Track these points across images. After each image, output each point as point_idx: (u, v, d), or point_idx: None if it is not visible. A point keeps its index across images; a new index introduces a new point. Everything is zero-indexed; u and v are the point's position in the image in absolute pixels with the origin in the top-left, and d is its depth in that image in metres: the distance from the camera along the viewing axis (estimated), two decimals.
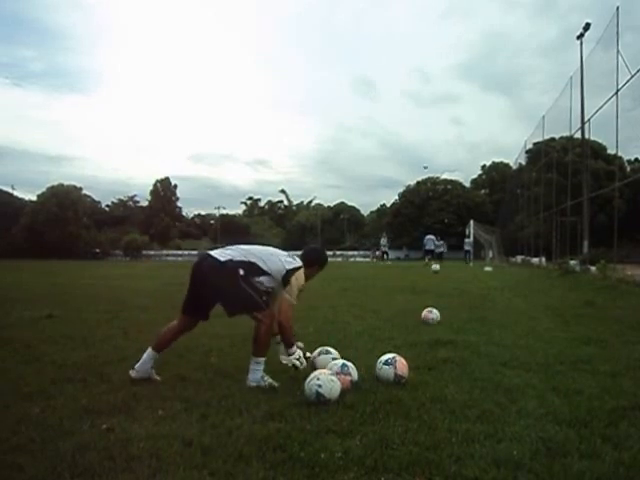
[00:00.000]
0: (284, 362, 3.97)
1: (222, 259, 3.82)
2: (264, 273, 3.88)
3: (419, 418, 2.99)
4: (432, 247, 31.82)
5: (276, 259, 3.96)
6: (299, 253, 4.27)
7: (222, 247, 4.07)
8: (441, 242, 32.52)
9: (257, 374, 3.73)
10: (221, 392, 3.51)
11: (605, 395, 3.45)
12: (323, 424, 2.87)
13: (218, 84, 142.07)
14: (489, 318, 7.17)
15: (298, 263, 4.01)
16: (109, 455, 2.46)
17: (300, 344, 4.15)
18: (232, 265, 3.79)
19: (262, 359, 3.77)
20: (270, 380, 3.72)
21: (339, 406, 3.19)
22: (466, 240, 37.78)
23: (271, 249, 4.14)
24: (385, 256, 38.24)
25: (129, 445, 2.58)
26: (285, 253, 4.12)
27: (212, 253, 3.94)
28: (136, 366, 3.87)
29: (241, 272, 3.77)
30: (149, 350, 3.92)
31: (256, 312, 3.79)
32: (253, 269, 3.85)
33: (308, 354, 4.10)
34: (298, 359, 3.92)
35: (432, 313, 6.78)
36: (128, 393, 3.49)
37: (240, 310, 3.92)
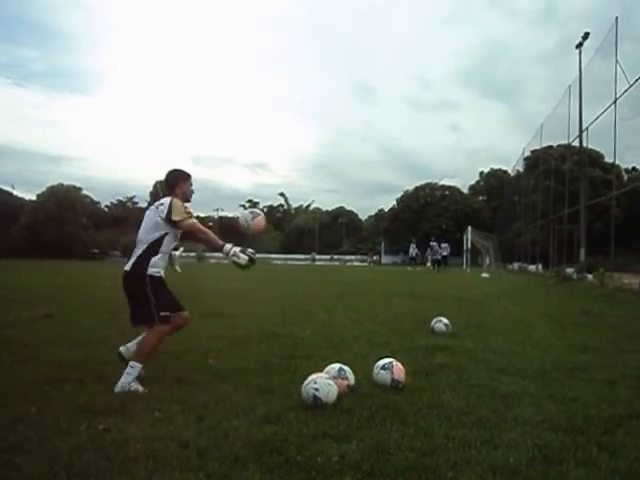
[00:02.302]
0: (234, 261, 3.92)
1: (128, 268, 3.95)
2: (161, 238, 3.91)
3: (416, 423, 3.00)
4: (437, 256, 31.40)
5: (152, 221, 3.95)
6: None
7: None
8: (445, 245, 32.36)
9: (129, 378, 3.65)
10: (218, 394, 3.51)
11: (601, 403, 3.46)
12: (320, 428, 2.87)
13: (219, 87, 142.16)
14: (486, 324, 7.18)
15: (166, 201, 3.95)
16: (106, 456, 2.46)
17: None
18: (139, 268, 3.87)
19: (139, 366, 3.72)
20: (138, 385, 3.65)
21: (336, 410, 3.19)
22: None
23: (146, 216, 4.07)
24: (415, 262, 34.16)
25: (125, 446, 2.58)
26: (154, 206, 4.06)
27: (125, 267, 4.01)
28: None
29: (150, 270, 3.86)
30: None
31: (151, 324, 3.83)
32: (153, 248, 3.90)
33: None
34: (239, 253, 3.90)
35: (441, 322, 6.42)
36: (125, 394, 3.49)
37: (142, 321, 3.95)
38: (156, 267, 3.89)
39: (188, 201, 4.15)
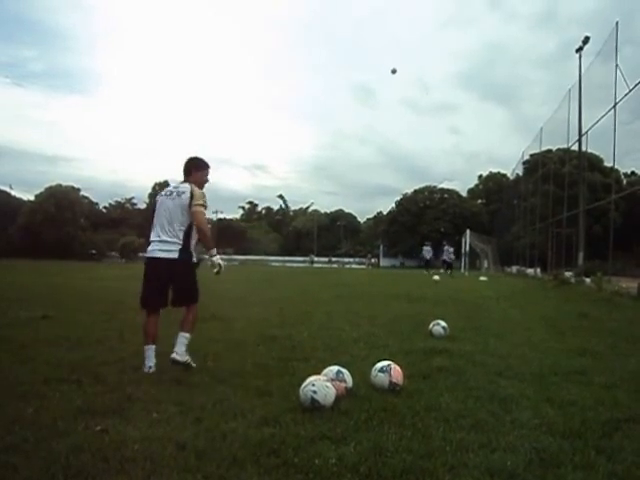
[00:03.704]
0: (209, 264, 4.47)
1: (175, 255, 4.26)
2: (191, 223, 4.28)
3: (413, 426, 3.00)
4: (449, 258, 31.36)
5: (179, 207, 4.28)
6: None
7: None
8: (451, 249, 32.34)
9: (183, 347, 4.23)
10: (216, 396, 3.50)
11: (599, 407, 3.46)
12: (318, 430, 2.87)
13: (218, 89, 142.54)
14: (484, 327, 7.18)
15: (186, 188, 4.32)
16: (103, 457, 2.46)
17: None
18: (188, 254, 4.31)
19: (190, 335, 4.32)
20: (189, 357, 4.25)
21: (334, 412, 3.19)
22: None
23: (170, 204, 4.36)
24: (447, 267, 30.80)
25: (123, 447, 2.58)
26: (175, 192, 4.38)
27: (162, 255, 4.29)
28: (149, 364, 4.21)
29: (194, 262, 4.37)
30: (150, 347, 4.23)
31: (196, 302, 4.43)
32: (190, 234, 4.31)
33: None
34: (219, 260, 4.46)
35: (439, 325, 6.39)
36: (123, 395, 3.49)
37: (191, 300, 4.43)
38: (194, 253, 4.35)
39: (201, 188, 4.46)
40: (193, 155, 4.57)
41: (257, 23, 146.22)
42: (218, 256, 4.48)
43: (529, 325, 7.67)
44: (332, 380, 3.51)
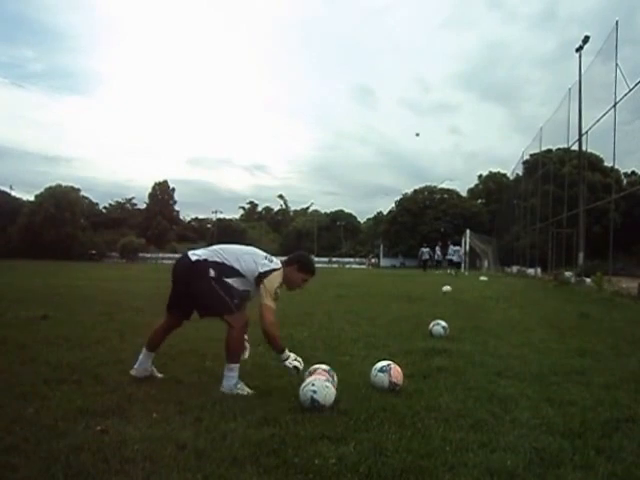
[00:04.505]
0: (286, 366, 3.82)
1: (193, 258, 3.78)
2: (237, 274, 3.75)
3: (413, 426, 3.00)
4: (459, 259, 31.47)
5: (250, 259, 3.81)
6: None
7: (203, 247, 4.01)
8: (458, 248, 32.31)
9: (231, 381, 3.65)
10: (216, 396, 3.50)
11: (599, 407, 3.46)
12: (317, 430, 2.87)
13: (218, 89, 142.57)
14: (484, 327, 7.18)
15: (274, 265, 3.84)
16: (103, 457, 2.45)
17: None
18: (203, 265, 3.72)
19: (235, 365, 3.69)
20: (244, 387, 3.66)
21: (333, 412, 3.19)
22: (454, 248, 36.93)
23: (249, 248, 4.00)
24: (458, 267, 31.68)
25: (123, 447, 2.57)
26: (263, 254, 3.93)
27: (188, 253, 3.91)
28: (135, 366, 3.94)
29: (212, 273, 3.69)
30: (144, 350, 3.97)
31: (226, 315, 3.69)
32: (225, 269, 3.73)
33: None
34: (295, 359, 3.82)
35: (439, 325, 6.40)
36: (123, 395, 3.48)
37: (210, 312, 3.84)
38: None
39: (288, 288, 4.03)
40: (308, 254, 4.20)
41: (257, 23, 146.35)
42: (292, 355, 3.84)
43: (529, 325, 7.67)
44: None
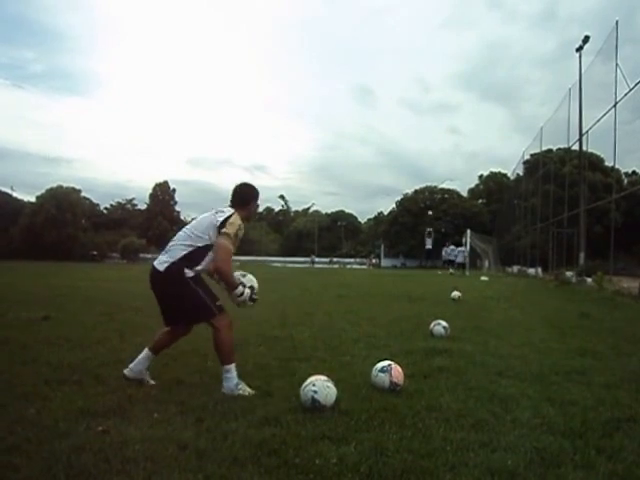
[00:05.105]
0: (239, 303, 3.85)
1: (163, 267, 3.68)
2: (207, 248, 3.70)
3: (414, 426, 3.00)
4: (463, 260, 31.39)
5: (205, 222, 3.77)
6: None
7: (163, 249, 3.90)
8: (462, 249, 32.25)
9: (231, 382, 3.65)
10: (217, 396, 3.51)
11: (600, 406, 3.46)
12: (318, 430, 2.87)
13: (218, 89, 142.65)
14: (485, 327, 7.18)
15: (228, 212, 3.78)
16: (104, 457, 2.46)
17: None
18: (176, 269, 3.65)
19: (231, 366, 3.68)
20: (245, 387, 3.66)
21: (334, 412, 3.20)
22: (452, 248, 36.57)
23: (196, 220, 3.95)
24: (463, 267, 31.34)
25: (124, 447, 2.58)
26: (211, 212, 3.87)
27: (154, 264, 3.78)
28: (131, 365, 3.84)
29: (188, 273, 3.64)
30: (145, 350, 3.89)
31: (211, 319, 3.70)
32: (196, 255, 3.68)
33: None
34: (250, 295, 3.84)
35: (440, 325, 6.38)
36: (124, 395, 3.49)
37: (196, 319, 3.84)
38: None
39: (248, 221, 3.99)
40: (244, 182, 4.07)
41: (257, 23, 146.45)
42: (247, 291, 3.86)
43: (530, 325, 7.66)
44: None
